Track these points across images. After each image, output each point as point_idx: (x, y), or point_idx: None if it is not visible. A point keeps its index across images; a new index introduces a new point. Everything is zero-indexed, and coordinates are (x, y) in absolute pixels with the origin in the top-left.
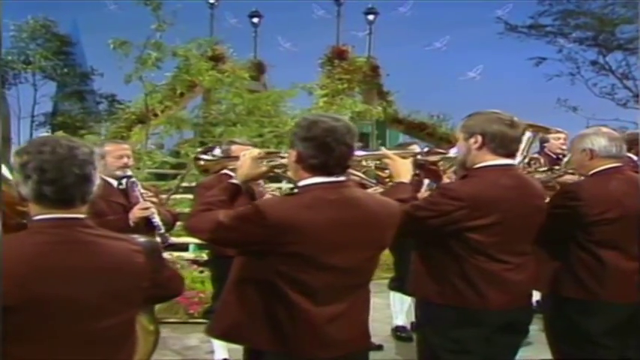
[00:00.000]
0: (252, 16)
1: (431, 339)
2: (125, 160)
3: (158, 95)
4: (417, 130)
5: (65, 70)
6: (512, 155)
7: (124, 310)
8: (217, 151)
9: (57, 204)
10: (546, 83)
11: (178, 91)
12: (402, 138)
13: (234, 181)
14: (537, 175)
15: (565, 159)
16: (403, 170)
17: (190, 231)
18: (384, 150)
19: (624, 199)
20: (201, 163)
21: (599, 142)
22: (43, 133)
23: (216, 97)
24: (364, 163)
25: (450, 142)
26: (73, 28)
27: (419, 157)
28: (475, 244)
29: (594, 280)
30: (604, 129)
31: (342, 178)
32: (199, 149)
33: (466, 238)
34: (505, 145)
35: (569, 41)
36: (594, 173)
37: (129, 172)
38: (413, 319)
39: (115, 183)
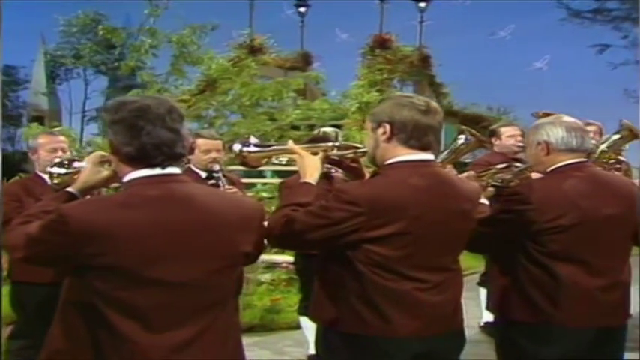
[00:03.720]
0: (299, 5)
1: None
2: (60, 153)
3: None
4: (473, 123)
5: (116, 64)
6: (428, 148)
7: None
8: None
9: None
10: (610, 73)
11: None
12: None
13: (70, 189)
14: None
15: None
16: (309, 168)
17: (6, 249)
18: (290, 144)
19: (582, 202)
20: None
21: (556, 134)
22: (94, 128)
23: (223, 88)
24: (275, 159)
25: None
26: (126, 21)
27: (333, 152)
28: (378, 258)
29: (547, 299)
30: (564, 117)
31: (170, 171)
32: None
33: (367, 251)
34: (418, 136)
35: (636, 26)
36: (551, 171)
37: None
38: None
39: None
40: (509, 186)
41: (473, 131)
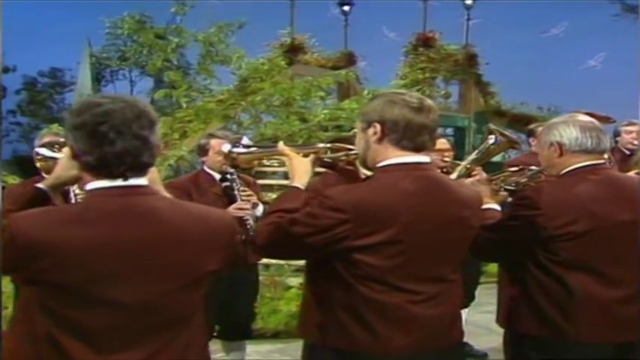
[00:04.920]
0: (342, 3)
1: None
2: None
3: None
4: (522, 123)
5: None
6: (422, 149)
7: None
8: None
9: None
10: None
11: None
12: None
13: (40, 185)
14: None
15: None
16: (299, 171)
17: None
18: (280, 145)
19: (596, 207)
20: None
21: (570, 134)
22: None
23: (253, 88)
24: (266, 162)
25: None
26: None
27: (326, 154)
28: (366, 268)
29: (559, 312)
30: (578, 116)
31: (132, 182)
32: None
33: (354, 260)
34: (411, 136)
35: None
36: (564, 174)
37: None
38: None
39: (217, 177)
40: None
41: (503, 131)
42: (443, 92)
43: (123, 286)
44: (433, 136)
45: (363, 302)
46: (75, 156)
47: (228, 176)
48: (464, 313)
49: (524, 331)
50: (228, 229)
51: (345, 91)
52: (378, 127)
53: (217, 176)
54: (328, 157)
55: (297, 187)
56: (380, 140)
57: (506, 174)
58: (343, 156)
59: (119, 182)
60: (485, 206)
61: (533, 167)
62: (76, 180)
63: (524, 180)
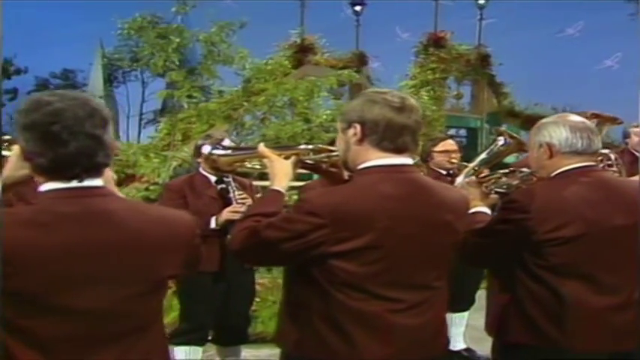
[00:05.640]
0: (354, 4)
1: None
2: None
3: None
4: (534, 124)
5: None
6: (404, 151)
7: None
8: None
9: None
10: None
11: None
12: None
13: None
14: None
15: None
16: (279, 174)
17: None
18: (261, 147)
19: (588, 211)
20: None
21: (559, 134)
22: (152, 130)
23: (257, 88)
24: (248, 164)
25: None
26: (185, 23)
27: (309, 155)
28: (344, 275)
29: (549, 320)
30: (569, 116)
31: (88, 184)
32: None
33: (332, 267)
34: (392, 137)
35: None
36: (554, 176)
37: None
38: None
39: (213, 179)
40: None
41: (512, 133)
42: (455, 93)
43: (79, 292)
44: (416, 137)
45: (340, 311)
46: (26, 157)
47: (225, 178)
48: (465, 317)
49: (513, 340)
50: (188, 232)
51: (356, 93)
52: (358, 127)
53: (213, 178)
54: (311, 158)
55: (276, 191)
56: (360, 141)
57: (497, 176)
58: (325, 158)
59: (74, 184)
60: (475, 209)
61: (524, 169)
62: (27, 179)
63: (516, 182)
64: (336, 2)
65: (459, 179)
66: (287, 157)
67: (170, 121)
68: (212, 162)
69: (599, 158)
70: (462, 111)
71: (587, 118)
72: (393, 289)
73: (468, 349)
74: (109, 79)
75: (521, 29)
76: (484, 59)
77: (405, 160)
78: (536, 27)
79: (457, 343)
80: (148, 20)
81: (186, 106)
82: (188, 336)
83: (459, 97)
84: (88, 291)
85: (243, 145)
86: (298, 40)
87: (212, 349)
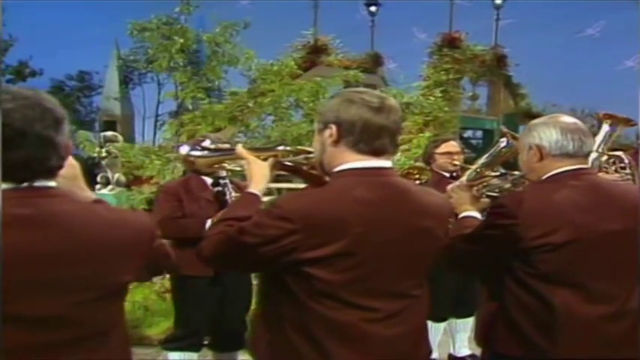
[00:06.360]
0: (369, 4)
1: None
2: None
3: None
4: None
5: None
6: (381, 153)
7: None
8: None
9: None
10: None
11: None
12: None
13: None
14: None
15: None
16: (256, 176)
17: None
18: (238, 148)
19: (578, 216)
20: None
21: (550, 136)
22: (167, 132)
23: (263, 89)
24: (227, 165)
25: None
26: (199, 24)
27: (289, 157)
28: (317, 282)
29: (539, 331)
30: (560, 117)
31: (39, 184)
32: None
33: (305, 274)
34: (368, 139)
35: None
36: (544, 179)
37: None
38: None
39: (209, 181)
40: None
41: (516, 134)
42: (470, 94)
43: (29, 299)
44: (395, 139)
45: (313, 320)
46: None
47: (221, 181)
48: (469, 322)
49: (502, 351)
50: (147, 235)
51: None
52: (334, 128)
53: (209, 181)
54: (290, 160)
55: (251, 193)
56: (336, 143)
57: (487, 178)
58: (303, 159)
59: (24, 185)
60: (464, 214)
61: (515, 172)
62: None
63: (507, 185)
64: (351, 2)
65: (461, 181)
66: (265, 159)
67: (176, 122)
68: (190, 163)
69: (611, 160)
70: (479, 112)
71: (600, 118)
72: (368, 297)
73: (472, 356)
74: (125, 81)
75: (540, 29)
76: (500, 60)
77: (383, 162)
78: (554, 27)
79: (462, 349)
80: (163, 22)
81: (190, 107)
82: (183, 342)
83: (474, 98)
84: (39, 297)
85: (224, 146)
86: (311, 41)
87: (208, 355)
